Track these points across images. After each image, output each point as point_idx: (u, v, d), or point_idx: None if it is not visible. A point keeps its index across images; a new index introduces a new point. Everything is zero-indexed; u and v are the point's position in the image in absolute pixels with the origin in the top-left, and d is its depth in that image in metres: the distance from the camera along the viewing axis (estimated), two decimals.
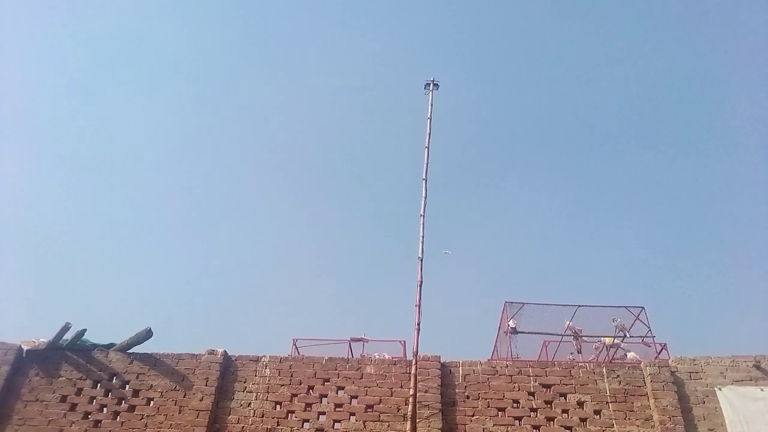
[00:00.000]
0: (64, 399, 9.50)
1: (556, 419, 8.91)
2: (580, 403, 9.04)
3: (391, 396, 9.25)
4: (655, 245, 41.78)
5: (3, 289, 37.44)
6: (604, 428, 8.77)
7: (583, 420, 8.89)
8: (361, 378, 9.46)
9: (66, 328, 9.83)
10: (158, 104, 46.17)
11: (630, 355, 12.43)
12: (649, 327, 12.88)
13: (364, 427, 8.97)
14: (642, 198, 42.89)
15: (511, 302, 12.88)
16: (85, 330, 9.96)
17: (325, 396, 9.35)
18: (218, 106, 46.73)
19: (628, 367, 9.63)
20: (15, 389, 9.61)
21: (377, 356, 12.72)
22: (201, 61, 46.03)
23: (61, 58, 42.79)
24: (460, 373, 9.39)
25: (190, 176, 45.71)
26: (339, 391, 9.39)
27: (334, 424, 9.06)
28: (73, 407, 9.42)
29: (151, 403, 9.40)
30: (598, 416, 8.91)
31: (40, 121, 42.45)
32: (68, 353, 9.94)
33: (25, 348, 9.94)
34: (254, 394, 9.39)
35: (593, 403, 9.03)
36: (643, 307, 13.06)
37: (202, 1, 44.97)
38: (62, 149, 43.07)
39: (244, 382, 9.51)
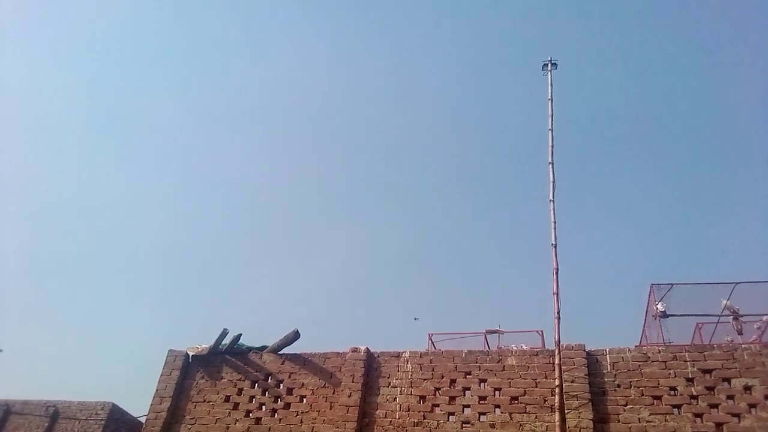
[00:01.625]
0: (227, 399, 10.33)
1: (720, 406, 8.26)
2: (747, 388, 8.31)
3: (536, 387, 9.07)
4: None
5: (168, 302, 41.42)
6: None
7: (752, 406, 8.17)
8: (503, 370, 9.37)
9: (224, 333, 10.70)
10: (284, 116, 48.65)
11: None
12: None
13: (511, 419, 8.87)
14: None
15: (658, 284, 12.05)
16: (241, 335, 10.78)
17: (468, 389, 9.37)
18: (344, 108, 48.33)
19: None
20: (185, 391, 10.60)
21: (515, 347, 12.52)
22: (316, 69, 47.82)
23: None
24: (608, 361, 9.00)
25: (323, 179, 47.70)
26: (482, 384, 9.36)
27: (479, 417, 9.05)
28: (235, 406, 10.21)
29: (304, 400, 9.95)
30: None
31: (181, 142, 46.39)
32: (227, 357, 10.79)
33: (191, 354, 10.93)
34: (398, 389, 9.62)
35: (763, 387, 8.26)
36: None
37: None
38: (208, 169, 46.77)
39: (388, 378, 9.78)
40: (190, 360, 10.92)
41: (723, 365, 8.56)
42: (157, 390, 10.56)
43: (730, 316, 11.80)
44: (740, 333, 11.78)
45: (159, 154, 46.97)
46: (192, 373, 10.80)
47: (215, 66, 47.31)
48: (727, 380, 8.45)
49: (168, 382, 10.61)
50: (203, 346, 10.87)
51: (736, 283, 11.49)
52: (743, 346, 8.89)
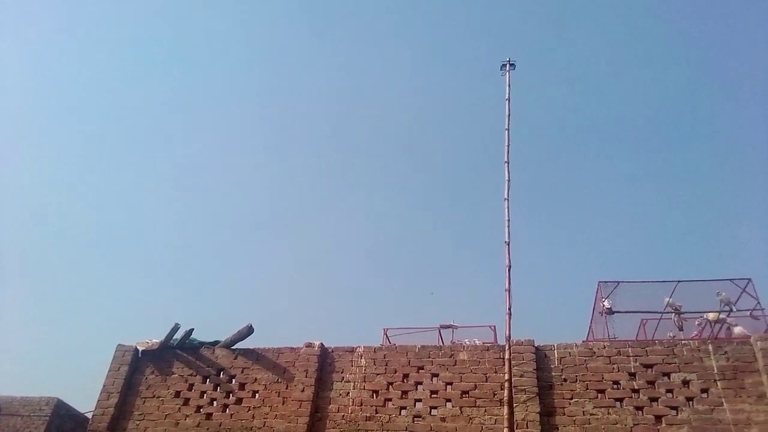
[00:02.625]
0: (177, 394, 10.19)
1: (660, 399, 8.60)
2: (686, 382, 8.68)
3: (486, 381, 9.26)
4: (758, 213, 39.07)
5: (117, 295, 40.40)
6: (712, 407, 8.38)
7: (689, 399, 8.53)
8: (455, 365, 9.52)
9: (175, 328, 10.54)
10: (240, 109, 47.99)
11: (737, 330, 11.72)
12: (757, 300, 12.11)
13: (461, 412, 9.03)
14: (745, 164, 40.18)
15: (605, 281, 12.47)
16: (193, 329, 10.64)
17: (420, 383, 9.49)
18: (294, 106, 47.98)
19: (737, 342, 9.13)
20: (134, 387, 10.40)
21: (468, 342, 12.75)
22: (278, 63, 47.33)
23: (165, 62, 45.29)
24: (556, 356, 9.25)
25: (279, 175, 47.26)
26: (434, 378, 9.49)
27: (431, 411, 9.18)
28: (186, 402, 10.08)
29: (257, 395, 9.90)
30: (705, 395, 8.52)
31: (149, 132, 45.24)
32: (179, 352, 10.64)
33: (140, 349, 10.72)
34: (352, 384, 9.67)
35: (700, 381, 8.64)
36: (749, 279, 12.29)
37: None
38: (163, 159, 45.77)
39: (342, 373, 9.82)
40: (140, 355, 10.72)
41: (663, 360, 8.91)
42: (104, 385, 10.34)
43: (672, 313, 12.29)
44: (681, 329, 12.27)
45: (112, 145, 45.69)
46: (141, 368, 10.60)
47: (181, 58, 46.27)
48: (667, 375, 8.80)
49: (116, 377, 10.40)
50: (153, 340, 10.68)
51: (678, 281, 11.98)
52: (682, 342, 9.26)
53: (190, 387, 10.23)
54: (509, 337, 9.41)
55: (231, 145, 48.01)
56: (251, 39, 47.21)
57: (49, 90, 43.94)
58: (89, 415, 10.46)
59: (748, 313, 12.17)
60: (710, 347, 8.93)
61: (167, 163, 45.81)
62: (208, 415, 9.86)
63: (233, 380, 10.15)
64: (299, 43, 47.53)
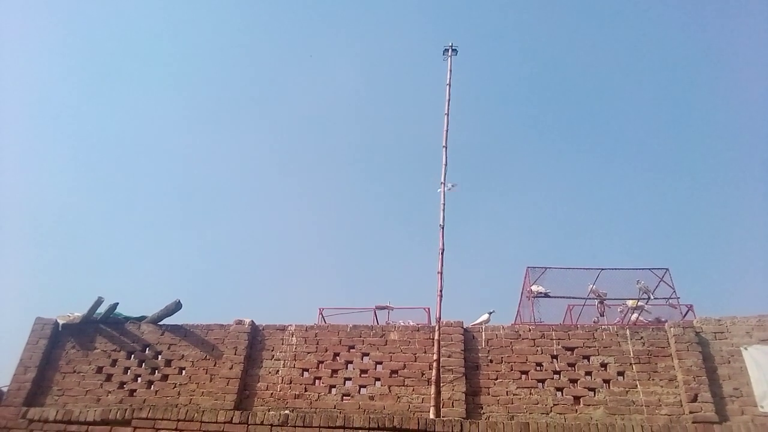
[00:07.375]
0: (99, 370, 9.87)
1: (579, 381, 8.97)
2: (604, 365, 9.08)
3: (415, 361, 9.40)
4: (678, 207, 41.23)
5: (36, 267, 38.58)
6: (627, 389, 8.81)
7: (606, 381, 8.94)
8: (386, 344, 9.62)
9: (99, 302, 10.15)
10: (181, 90, 46.43)
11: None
12: (673, 288, 12.77)
13: (389, 391, 9.15)
14: (664, 160, 42.17)
15: (534, 267, 12.88)
16: (117, 303, 10.28)
17: (351, 362, 9.54)
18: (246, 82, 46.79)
19: (652, 328, 9.61)
20: (53, 362, 10.01)
21: (402, 323, 12.91)
22: (202, 51, 45.96)
23: (68, 55, 43.11)
24: (483, 337, 9.48)
25: (212, 151, 46.15)
26: (364, 358, 9.56)
27: (360, 390, 9.26)
28: (108, 378, 9.79)
29: (183, 372, 9.71)
30: (621, 377, 8.94)
31: (81, 111, 43.06)
32: (102, 326, 10.28)
33: (61, 322, 10.30)
34: (282, 362, 9.62)
35: (617, 364, 9.06)
36: (667, 269, 12.94)
37: None
38: (92, 130, 43.79)
39: (272, 351, 9.75)
40: (60, 329, 10.31)
41: (584, 344, 9.28)
42: (21, 359, 9.88)
43: (595, 299, 12.83)
44: (602, 315, 12.84)
45: (60, 129, 43.27)
46: (62, 342, 10.20)
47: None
48: (587, 357, 9.17)
49: (34, 351, 9.97)
50: (75, 314, 10.26)
51: (602, 269, 12.51)
52: (603, 327, 9.67)
53: (114, 363, 9.92)
54: (439, 318, 9.58)
55: (169, 116, 46.44)
56: (173, 28, 45.59)
57: None
58: (5, 389, 9.98)
59: (665, 301, 12.84)
60: (627, 332, 9.36)
61: (98, 130, 43.85)
62: (132, 392, 9.60)
63: (159, 356, 9.91)
64: (230, 23, 46.29)
